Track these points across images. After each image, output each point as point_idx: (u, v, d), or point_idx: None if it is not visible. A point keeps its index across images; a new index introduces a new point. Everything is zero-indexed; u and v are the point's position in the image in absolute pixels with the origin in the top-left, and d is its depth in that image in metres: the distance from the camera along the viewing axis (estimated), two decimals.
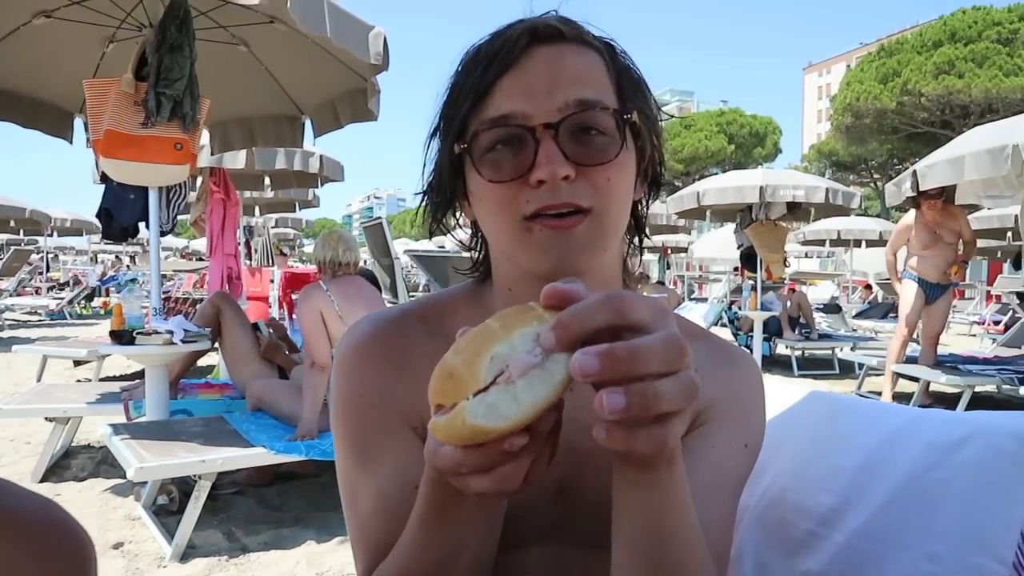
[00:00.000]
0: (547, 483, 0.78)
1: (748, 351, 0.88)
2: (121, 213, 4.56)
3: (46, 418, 4.22)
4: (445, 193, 0.81)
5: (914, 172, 5.70)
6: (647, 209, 0.87)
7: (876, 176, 38.87)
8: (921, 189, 5.64)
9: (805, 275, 16.72)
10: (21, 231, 17.59)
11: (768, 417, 0.88)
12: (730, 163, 40.69)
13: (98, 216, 4.85)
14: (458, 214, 0.85)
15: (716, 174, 14.82)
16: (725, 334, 9.39)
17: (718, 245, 15.86)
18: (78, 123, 4.71)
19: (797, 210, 8.63)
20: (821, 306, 11.81)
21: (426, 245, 14.73)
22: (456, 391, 0.48)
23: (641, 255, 0.90)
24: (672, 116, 0.86)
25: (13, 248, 16.60)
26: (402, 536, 0.67)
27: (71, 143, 4.68)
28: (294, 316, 5.74)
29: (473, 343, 0.49)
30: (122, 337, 3.63)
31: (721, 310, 11.04)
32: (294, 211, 11.57)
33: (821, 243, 17.31)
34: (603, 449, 0.48)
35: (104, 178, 4.42)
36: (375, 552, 0.75)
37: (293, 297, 6.64)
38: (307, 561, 3.05)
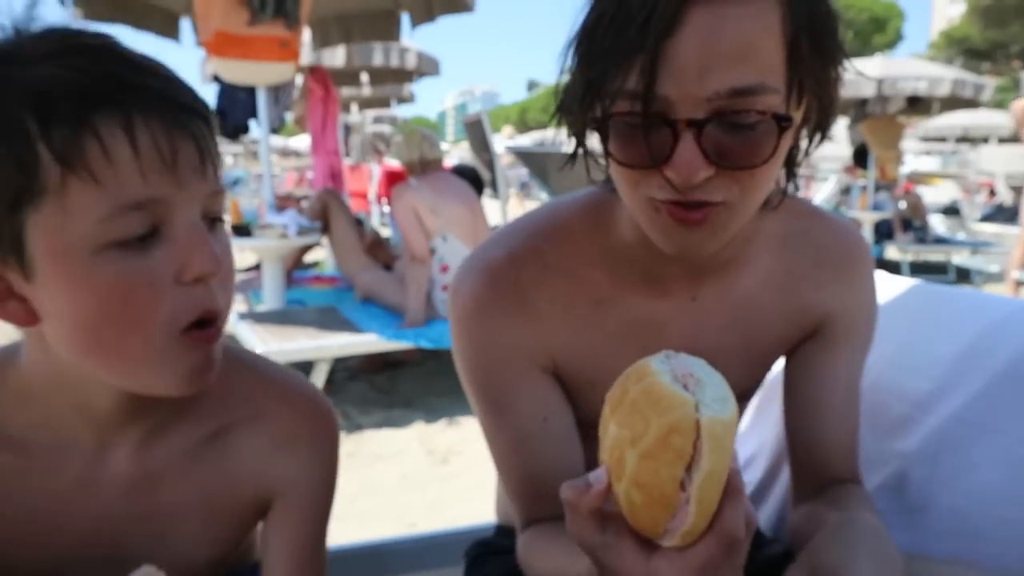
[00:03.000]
0: None
1: (860, 235, 0.86)
2: (233, 112, 4.74)
3: None
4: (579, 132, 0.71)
5: None
6: (804, 154, 0.76)
7: (1018, 64, 34.90)
8: None
9: (923, 175, 15.54)
10: None
11: None
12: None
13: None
14: None
15: None
16: None
17: (828, 141, 14.94)
18: (185, 24, 4.85)
19: (918, 104, 7.96)
20: (940, 209, 11.00)
21: (525, 140, 14.56)
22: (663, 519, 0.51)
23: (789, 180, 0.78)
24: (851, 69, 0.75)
25: None
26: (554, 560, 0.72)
27: (179, 42, 4.83)
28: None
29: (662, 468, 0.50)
30: (240, 231, 3.86)
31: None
32: (389, 107, 11.61)
33: (943, 140, 16.03)
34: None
35: (216, 78, 4.56)
36: (527, 488, 0.80)
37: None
38: (418, 440, 3.28)
